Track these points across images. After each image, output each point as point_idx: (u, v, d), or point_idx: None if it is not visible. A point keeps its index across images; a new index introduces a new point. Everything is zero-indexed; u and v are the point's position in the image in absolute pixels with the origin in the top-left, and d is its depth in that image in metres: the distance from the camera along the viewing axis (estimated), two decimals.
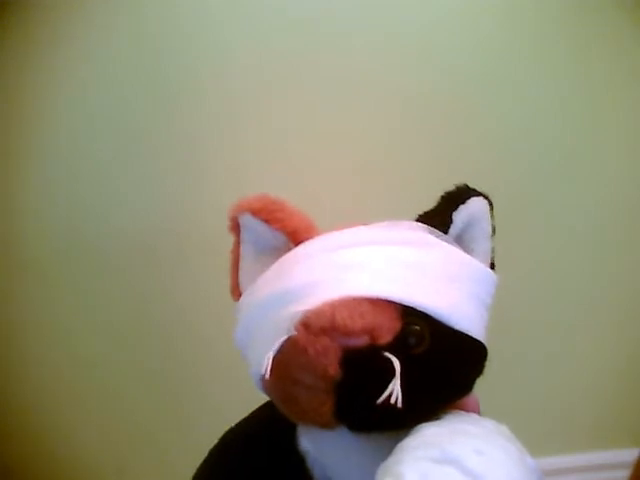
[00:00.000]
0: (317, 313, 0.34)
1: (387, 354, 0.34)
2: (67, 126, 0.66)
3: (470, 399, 0.40)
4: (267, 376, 0.34)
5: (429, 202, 0.42)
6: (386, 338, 0.35)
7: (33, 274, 0.69)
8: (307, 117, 0.68)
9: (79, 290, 0.70)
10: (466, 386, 0.39)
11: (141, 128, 0.67)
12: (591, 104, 0.72)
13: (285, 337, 0.35)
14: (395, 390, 0.33)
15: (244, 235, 0.42)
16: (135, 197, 0.68)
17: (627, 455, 0.75)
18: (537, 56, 0.70)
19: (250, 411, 0.46)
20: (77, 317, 0.71)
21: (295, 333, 0.35)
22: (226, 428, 0.46)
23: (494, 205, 0.41)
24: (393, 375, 0.33)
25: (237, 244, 0.42)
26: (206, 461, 0.44)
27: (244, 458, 0.43)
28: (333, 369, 0.34)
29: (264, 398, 0.44)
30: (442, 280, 0.37)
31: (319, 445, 0.41)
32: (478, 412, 0.40)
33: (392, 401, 0.32)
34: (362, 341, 0.34)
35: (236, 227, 0.42)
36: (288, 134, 0.68)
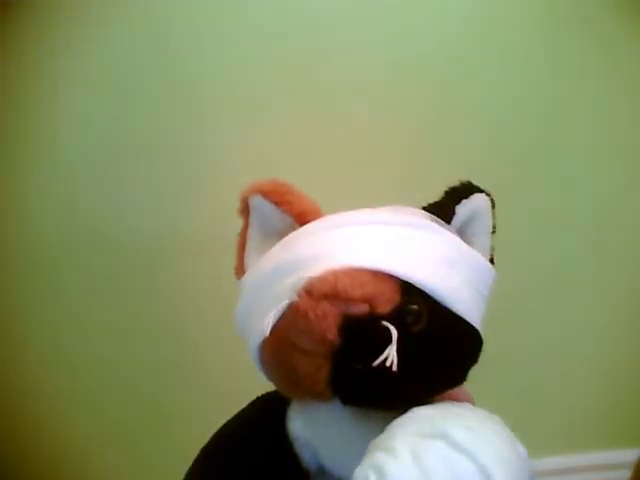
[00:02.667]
0: (320, 279, 0.36)
1: (385, 323, 0.35)
2: (67, 127, 0.66)
3: (465, 396, 0.41)
4: (267, 333, 0.36)
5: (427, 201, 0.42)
6: (385, 308, 0.36)
7: (32, 275, 0.69)
8: (305, 120, 0.68)
9: (78, 291, 0.70)
10: (459, 371, 0.40)
11: (141, 130, 0.67)
12: (592, 104, 0.72)
13: (287, 302, 0.36)
14: (391, 355, 0.34)
15: (253, 217, 0.43)
16: (134, 198, 0.69)
17: (627, 455, 0.74)
18: (538, 56, 0.70)
19: None
20: (76, 317, 0.71)
21: (297, 299, 0.36)
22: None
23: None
24: (390, 343, 0.34)
25: (245, 226, 0.43)
26: (197, 459, 0.45)
27: (234, 454, 0.43)
28: (332, 334, 0.35)
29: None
30: (442, 263, 0.38)
31: (312, 427, 0.41)
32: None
33: (387, 364, 0.34)
34: (362, 309, 0.36)
35: (246, 209, 0.43)
36: (286, 136, 0.68)
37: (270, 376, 0.41)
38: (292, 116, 0.68)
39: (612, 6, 0.68)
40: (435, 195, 0.42)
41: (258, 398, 0.46)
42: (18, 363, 0.71)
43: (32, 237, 0.68)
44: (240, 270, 0.43)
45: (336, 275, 0.35)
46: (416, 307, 0.36)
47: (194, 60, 0.66)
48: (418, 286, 0.36)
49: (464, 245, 0.40)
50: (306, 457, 0.42)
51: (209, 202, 0.68)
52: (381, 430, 0.34)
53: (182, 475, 0.45)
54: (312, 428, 0.41)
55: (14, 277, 0.69)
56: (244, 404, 0.47)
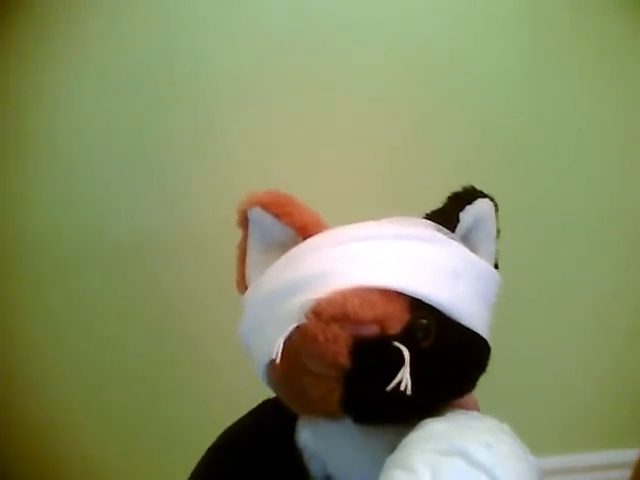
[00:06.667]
0: (328, 301, 0.35)
1: (397, 344, 0.34)
2: (68, 127, 0.66)
3: (470, 399, 0.41)
4: (278, 360, 0.35)
5: (427, 205, 0.42)
6: (395, 328, 0.35)
7: (32, 274, 0.69)
8: (305, 121, 0.68)
9: (76, 291, 0.70)
10: (469, 382, 0.39)
11: (141, 129, 0.67)
12: (590, 100, 0.72)
13: (296, 324, 0.35)
14: (405, 378, 0.33)
15: (252, 229, 0.42)
16: (135, 197, 0.68)
17: (627, 455, 0.75)
18: (537, 51, 0.70)
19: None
20: (76, 316, 0.71)
21: (306, 321, 0.35)
22: (224, 428, 0.46)
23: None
24: (402, 365, 0.33)
25: (244, 238, 0.42)
26: (203, 459, 0.45)
27: (241, 456, 0.43)
28: (343, 357, 0.34)
29: (261, 399, 0.45)
30: (448, 275, 0.37)
31: (321, 439, 0.41)
32: (478, 412, 0.40)
33: (402, 388, 0.33)
34: (372, 330, 0.35)
35: (244, 221, 0.42)
36: (287, 135, 0.68)
37: (278, 394, 0.41)
38: (293, 114, 0.67)
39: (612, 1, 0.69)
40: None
41: (268, 400, 0.45)
42: (19, 362, 0.71)
43: (32, 236, 0.68)
44: (242, 284, 0.42)
45: (345, 296, 0.35)
46: (425, 322, 0.36)
47: (195, 59, 0.65)
48: (427, 302, 0.36)
49: (470, 254, 0.40)
50: (314, 467, 0.42)
51: (210, 200, 0.68)
52: (392, 442, 0.34)
53: (187, 476, 0.45)
54: (321, 440, 0.41)
55: (14, 276, 0.69)
56: (251, 403, 0.46)
